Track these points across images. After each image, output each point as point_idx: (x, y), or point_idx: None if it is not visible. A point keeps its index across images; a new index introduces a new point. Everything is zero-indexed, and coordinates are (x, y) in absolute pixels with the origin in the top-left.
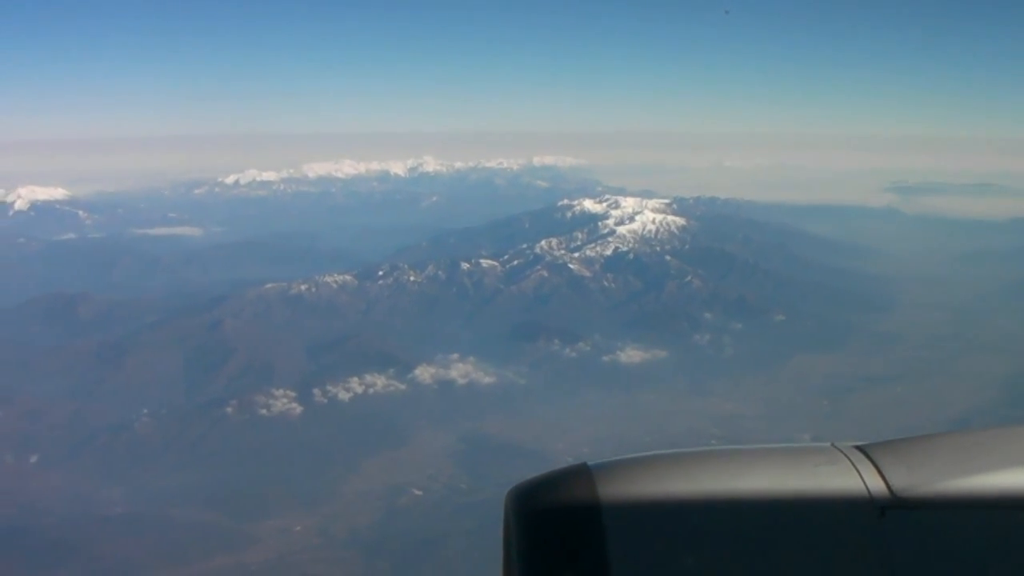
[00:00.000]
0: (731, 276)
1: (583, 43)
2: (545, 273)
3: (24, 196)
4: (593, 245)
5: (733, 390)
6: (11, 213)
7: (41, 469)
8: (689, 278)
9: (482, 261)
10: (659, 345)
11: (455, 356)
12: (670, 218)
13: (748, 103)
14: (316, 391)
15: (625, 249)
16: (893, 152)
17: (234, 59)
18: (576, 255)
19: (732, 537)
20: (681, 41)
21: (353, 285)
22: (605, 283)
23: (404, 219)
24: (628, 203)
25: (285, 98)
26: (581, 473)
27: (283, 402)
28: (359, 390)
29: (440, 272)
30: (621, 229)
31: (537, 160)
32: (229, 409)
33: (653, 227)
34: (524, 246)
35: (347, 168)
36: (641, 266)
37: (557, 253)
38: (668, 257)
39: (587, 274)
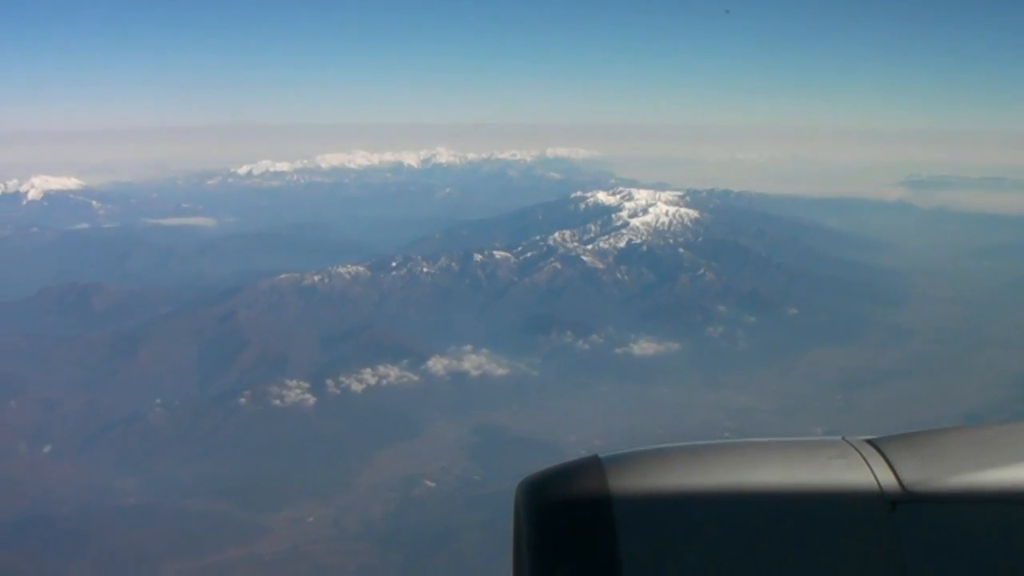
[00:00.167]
0: (744, 269)
1: (596, 34)
2: (558, 265)
3: (37, 186)
4: (606, 237)
5: (746, 383)
6: (24, 203)
7: (54, 460)
8: (702, 271)
9: (495, 253)
10: (672, 338)
11: (468, 348)
12: (683, 210)
13: (762, 96)
14: (329, 382)
15: (638, 241)
16: (906, 146)
17: (248, 50)
18: (589, 247)
19: (742, 530)
20: (695, 33)
21: (366, 276)
22: (618, 275)
23: (417, 210)
24: (641, 195)
25: (298, 89)
26: (592, 465)
27: (296, 393)
28: (372, 381)
29: (453, 264)
30: (634, 221)
31: (550, 152)
32: (242, 400)
33: (666, 219)
34: (537, 238)
35: (360, 159)
36: (654, 258)
37: (570, 245)
38: (681, 249)
39: (600, 266)
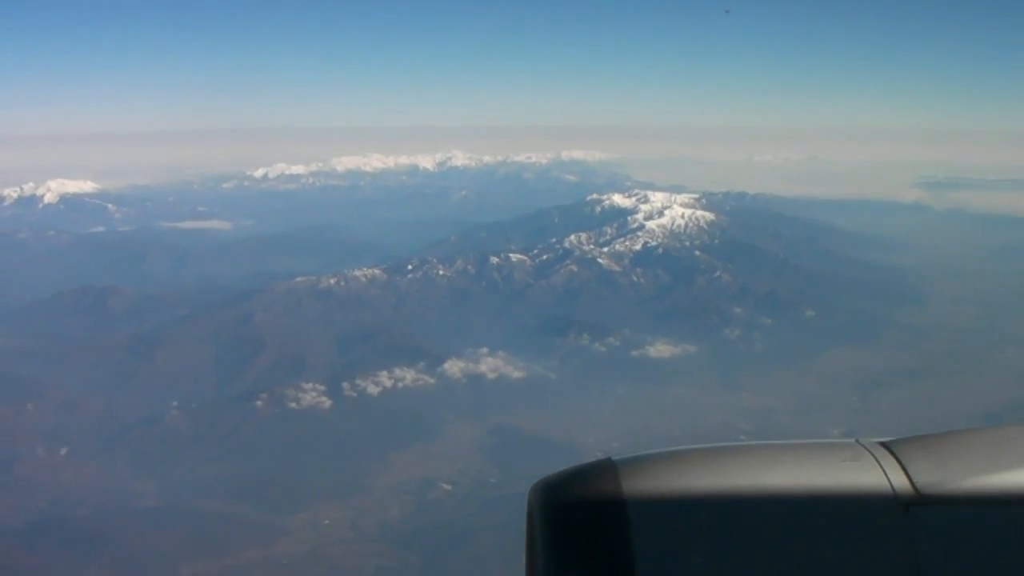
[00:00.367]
0: (761, 271)
1: (611, 36)
2: (574, 267)
3: (54, 189)
4: (622, 239)
5: (763, 385)
6: (41, 206)
7: (72, 462)
8: (719, 273)
9: (511, 255)
10: (689, 340)
11: (484, 350)
12: (699, 213)
13: (777, 97)
14: (346, 385)
15: (654, 244)
16: (921, 147)
17: (264, 53)
18: (605, 249)
19: (755, 533)
20: (710, 34)
21: (383, 279)
22: (635, 277)
23: (433, 213)
24: (657, 197)
25: (313, 92)
26: (606, 468)
27: (313, 395)
28: (388, 384)
29: (469, 266)
30: (650, 223)
31: (566, 154)
32: (259, 402)
33: (682, 222)
34: (553, 240)
35: (375, 162)
36: (670, 260)
37: (586, 247)
38: (698, 252)
39: (617, 268)
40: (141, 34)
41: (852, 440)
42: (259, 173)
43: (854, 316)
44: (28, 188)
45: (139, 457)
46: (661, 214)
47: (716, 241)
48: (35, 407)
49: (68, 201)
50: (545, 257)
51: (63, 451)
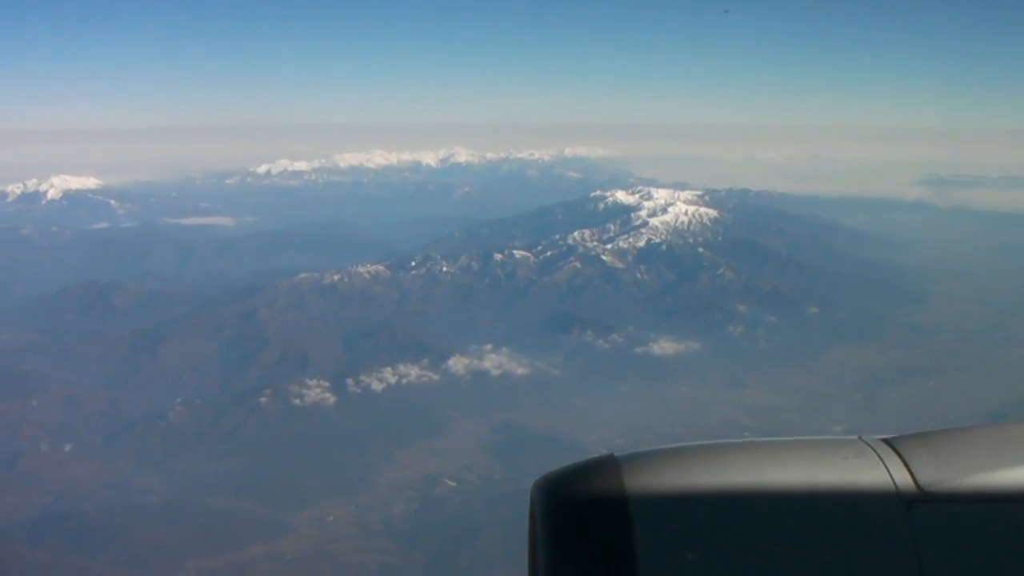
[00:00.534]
0: (764, 268)
1: (614, 33)
2: (578, 264)
3: (57, 185)
4: (626, 236)
5: (767, 382)
6: (44, 202)
7: (76, 457)
8: (722, 270)
9: (515, 252)
10: (693, 337)
11: (488, 347)
12: (703, 210)
13: (779, 95)
14: (350, 381)
15: (658, 241)
16: (925, 144)
17: (266, 49)
18: (609, 246)
19: (758, 530)
20: (713, 31)
21: (386, 275)
22: (638, 275)
23: (436, 210)
24: (661, 195)
25: (316, 88)
26: (608, 464)
27: (317, 392)
28: (393, 380)
29: (473, 263)
30: (654, 221)
31: (569, 151)
32: (263, 399)
33: (686, 219)
34: (557, 237)
35: (378, 158)
36: (674, 258)
37: (590, 244)
38: (701, 249)
39: (620, 265)
40: (144, 30)
41: (855, 437)
42: (262, 169)
43: (858, 314)
44: (31, 184)
45: (143, 453)
46: (664, 211)
47: (719, 238)
48: (39, 403)
49: (72, 197)
50: (549, 254)
51: (67, 447)
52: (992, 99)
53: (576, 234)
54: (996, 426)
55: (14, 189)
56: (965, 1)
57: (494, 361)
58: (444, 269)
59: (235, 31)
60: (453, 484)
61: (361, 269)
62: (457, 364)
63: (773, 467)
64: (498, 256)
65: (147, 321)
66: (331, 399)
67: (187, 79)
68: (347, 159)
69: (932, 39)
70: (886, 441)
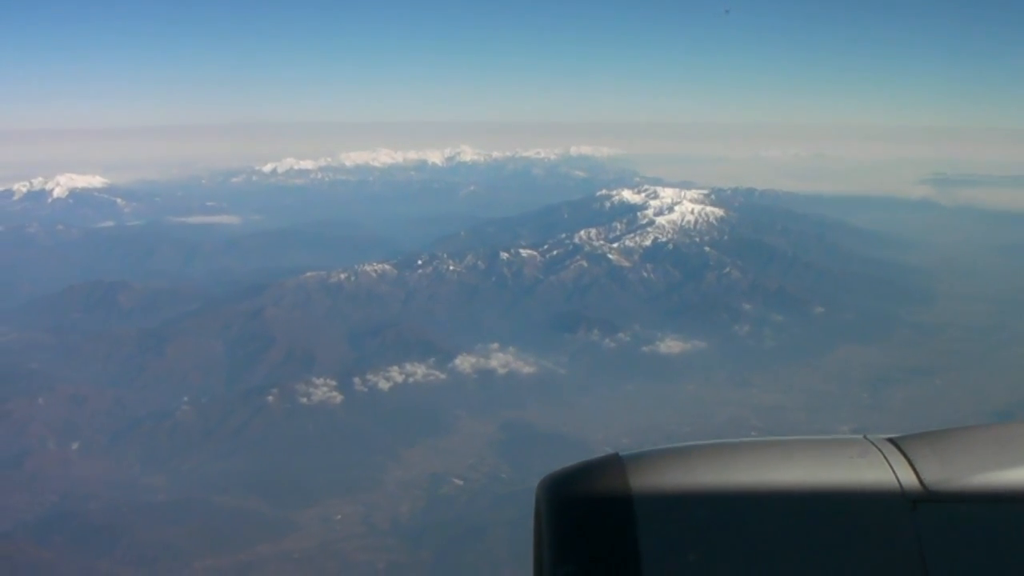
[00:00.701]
0: (770, 267)
1: (619, 33)
2: (584, 263)
3: (63, 184)
4: (632, 235)
5: (773, 381)
6: (50, 200)
7: (82, 456)
8: (728, 269)
9: (521, 251)
10: (699, 336)
11: (495, 346)
12: (709, 209)
13: (785, 94)
14: (356, 380)
15: (664, 240)
16: (930, 143)
17: (272, 48)
18: (615, 245)
19: (762, 529)
20: (718, 30)
21: (393, 274)
22: (644, 273)
23: (442, 208)
24: (667, 193)
25: (322, 87)
26: (613, 463)
27: (324, 391)
28: (399, 379)
29: (479, 262)
30: (660, 219)
31: (574, 150)
32: (270, 397)
33: (692, 218)
34: (563, 236)
35: (384, 157)
36: (680, 257)
37: (596, 243)
38: (707, 248)
39: (626, 264)
40: (150, 29)
41: (860, 436)
42: (268, 168)
43: (863, 313)
44: (37, 183)
45: (150, 451)
46: (671, 210)
47: (725, 237)
48: (45, 401)
49: (77, 196)
50: (555, 253)
51: (74, 445)
52: (997, 98)
53: (582, 233)
54: (1001, 425)
55: (20, 187)
56: (970, 0)
57: (500, 360)
58: (450, 268)
59: (241, 30)
60: (460, 483)
61: (367, 268)
62: (464, 363)
63: (777, 466)
64: (504, 255)
65: (153, 320)
66: (338, 398)
67: (193, 78)
68: (353, 158)
69: (937, 38)
70: (891, 440)
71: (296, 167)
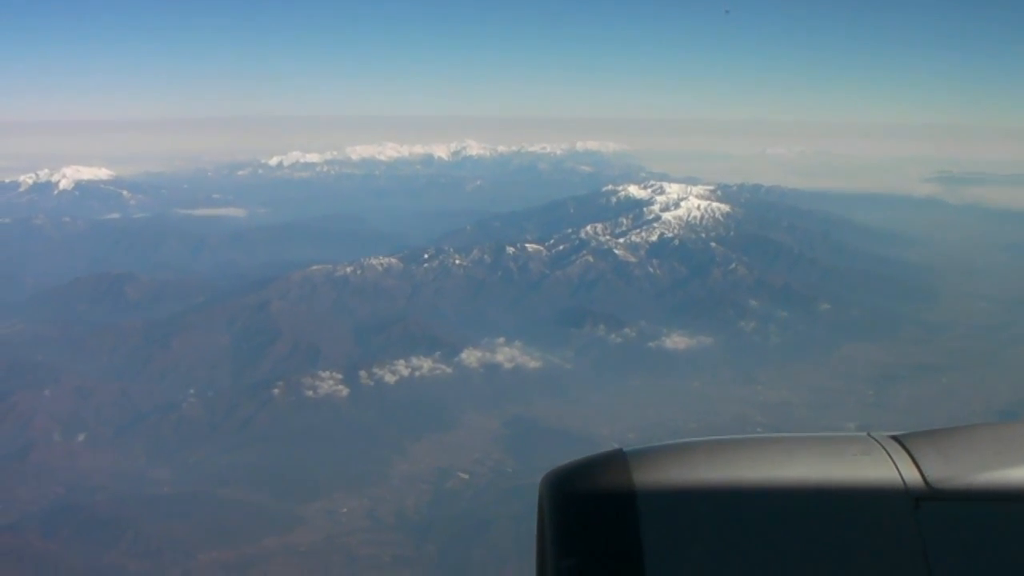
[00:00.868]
0: (776, 264)
1: (625, 28)
2: (590, 258)
3: (69, 176)
4: (638, 231)
5: (778, 378)
6: (56, 192)
7: (89, 448)
8: (734, 265)
9: (527, 245)
10: (705, 332)
11: (501, 340)
12: (715, 205)
13: (791, 91)
14: (362, 373)
15: (670, 235)
16: (936, 141)
17: (279, 41)
18: (621, 240)
19: (765, 525)
20: (724, 27)
21: (399, 268)
22: (650, 269)
23: (448, 203)
24: (673, 189)
25: (328, 81)
26: (616, 459)
27: (329, 384)
28: (405, 373)
29: (486, 256)
30: (666, 215)
31: (580, 145)
32: (276, 391)
33: (698, 213)
34: (569, 231)
35: (390, 151)
36: (686, 252)
37: (602, 238)
38: (713, 244)
39: (632, 260)
40: (156, 22)
41: (864, 434)
42: (274, 161)
43: (869, 310)
44: (43, 174)
45: (156, 444)
46: (677, 205)
47: (731, 233)
48: (52, 393)
49: (83, 188)
50: (561, 248)
51: (80, 438)
52: (1004, 96)
53: (588, 228)
54: (1005, 424)
55: (26, 179)
56: None
57: (506, 354)
58: (456, 262)
59: (248, 23)
60: (465, 477)
61: (373, 261)
62: (469, 357)
63: (781, 463)
64: (510, 249)
65: (159, 312)
66: (344, 391)
67: (199, 71)
68: (359, 152)
69: (944, 36)
70: (895, 438)
71: (302, 160)
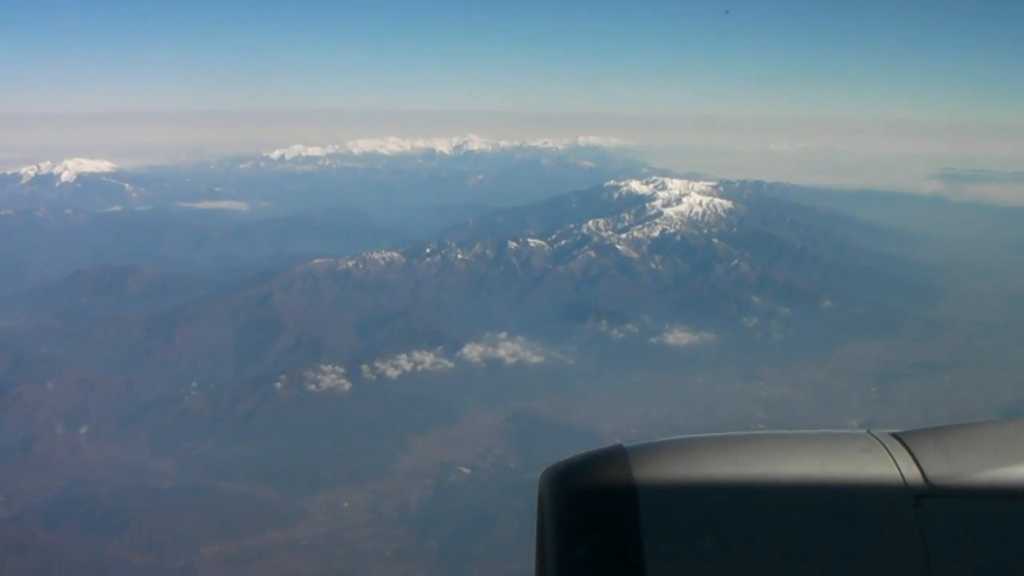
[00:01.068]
0: (779, 260)
1: (628, 23)
2: (593, 254)
3: (71, 168)
4: (640, 226)
5: (781, 375)
6: (58, 185)
7: (91, 441)
8: (737, 261)
9: (530, 240)
10: (707, 328)
11: (503, 335)
12: (717, 201)
13: (794, 87)
14: (365, 368)
15: (672, 231)
16: (940, 139)
17: (281, 34)
18: (624, 236)
19: (765, 522)
20: (728, 23)
21: (401, 262)
22: (653, 265)
23: (450, 197)
24: (675, 185)
25: (330, 74)
26: (617, 455)
27: (332, 378)
28: (407, 367)
29: (488, 251)
30: (668, 211)
31: (582, 140)
32: (278, 384)
33: (700, 209)
34: (571, 226)
35: (392, 145)
36: (688, 248)
37: (605, 234)
38: (715, 240)
39: (635, 255)
40: (159, 15)
41: (864, 431)
42: (276, 154)
43: (872, 308)
44: (45, 167)
45: (158, 437)
46: (679, 201)
47: (734, 229)
48: (55, 386)
49: (85, 180)
50: (563, 243)
51: (82, 430)
52: (1009, 94)
53: (591, 223)
54: (1006, 422)
55: (28, 171)
56: None
57: (509, 349)
58: (459, 257)
59: (251, 16)
60: (468, 472)
61: (376, 256)
62: (472, 352)
63: (782, 460)
64: (513, 244)
65: (161, 305)
66: (346, 385)
67: (202, 64)
68: (361, 145)
69: (949, 33)
70: (895, 436)
71: (304, 154)
